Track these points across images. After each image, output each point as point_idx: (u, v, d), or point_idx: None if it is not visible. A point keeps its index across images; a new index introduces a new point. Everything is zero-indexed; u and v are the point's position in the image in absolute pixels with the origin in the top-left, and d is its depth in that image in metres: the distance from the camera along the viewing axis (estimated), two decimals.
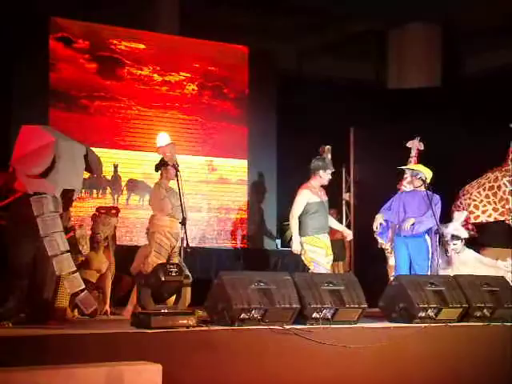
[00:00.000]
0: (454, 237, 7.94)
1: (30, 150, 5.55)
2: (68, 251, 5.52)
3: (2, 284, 5.62)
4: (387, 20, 11.23)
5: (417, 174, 7.44)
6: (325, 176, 7.21)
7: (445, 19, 11.21)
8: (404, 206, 7.46)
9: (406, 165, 8.44)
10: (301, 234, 7.10)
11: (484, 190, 8.39)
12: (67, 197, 5.75)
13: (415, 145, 8.62)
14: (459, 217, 8.09)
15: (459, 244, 7.96)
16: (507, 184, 8.26)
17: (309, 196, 7.12)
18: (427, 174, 7.44)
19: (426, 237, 7.33)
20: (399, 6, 10.56)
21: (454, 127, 10.34)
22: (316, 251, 7.04)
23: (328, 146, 7.35)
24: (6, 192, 5.66)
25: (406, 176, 8.56)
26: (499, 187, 8.30)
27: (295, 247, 7.10)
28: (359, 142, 9.73)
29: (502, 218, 8.38)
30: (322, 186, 7.28)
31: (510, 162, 8.33)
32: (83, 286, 5.52)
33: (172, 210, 6.59)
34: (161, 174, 6.77)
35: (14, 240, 5.55)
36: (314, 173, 7.24)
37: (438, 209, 7.35)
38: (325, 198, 7.25)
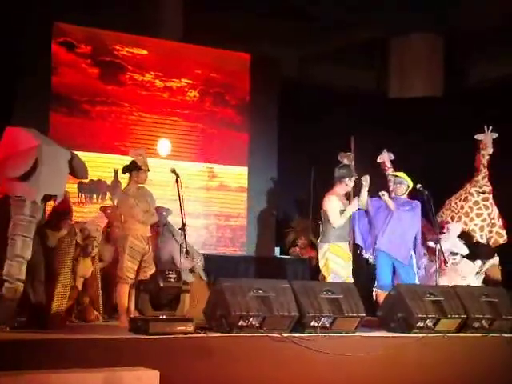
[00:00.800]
0: (453, 252, 7.96)
1: (12, 153, 5.53)
2: (24, 259, 5.42)
3: None
4: (389, 29, 11.24)
5: (401, 182, 7.54)
6: (350, 184, 7.21)
7: (447, 29, 11.22)
8: (387, 214, 7.49)
9: (389, 183, 8.58)
10: (323, 240, 7.04)
11: (460, 200, 8.46)
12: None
13: (385, 157, 8.69)
14: (455, 229, 8.09)
15: (458, 258, 7.97)
16: (474, 194, 8.32)
17: (338, 203, 7.10)
18: (410, 182, 7.56)
19: None
20: (401, 15, 10.58)
21: (455, 137, 10.35)
22: (337, 262, 6.89)
23: (350, 153, 7.34)
24: None
25: (391, 189, 8.62)
26: (468, 198, 8.36)
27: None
28: (360, 150, 9.72)
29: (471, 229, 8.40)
30: (345, 194, 7.27)
31: (478, 173, 8.37)
32: (17, 298, 5.40)
33: (143, 217, 6.51)
34: (130, 178, 6.59)
35: (2, 243, 5.52)
36: (340, 181, 7.22)
37: (418, 213, 7.43)
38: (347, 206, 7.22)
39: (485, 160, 8.31)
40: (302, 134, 10.48)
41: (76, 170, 5.86)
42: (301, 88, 10.97)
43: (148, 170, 6.62)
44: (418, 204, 7.50)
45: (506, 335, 6.38)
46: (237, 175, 10.19)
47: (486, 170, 8.33)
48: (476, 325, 6.37)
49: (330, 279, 6.82)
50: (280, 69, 10.64)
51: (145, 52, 9.66)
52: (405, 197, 7.57)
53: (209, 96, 10.03)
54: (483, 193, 8.28)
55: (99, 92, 9.31)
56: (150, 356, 4.84)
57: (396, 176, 7.71)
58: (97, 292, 6.91)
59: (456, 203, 8.45)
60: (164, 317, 5.31)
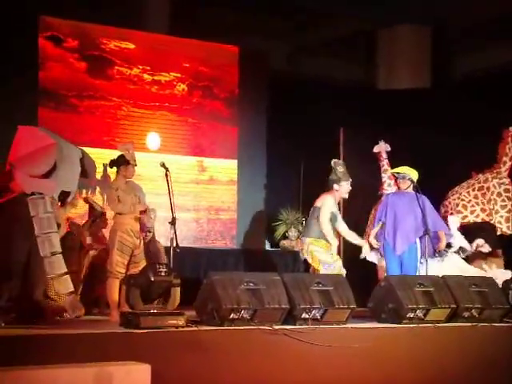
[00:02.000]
0: (461, 248, 7.97)
1: (30, 151, 5.59)
2: (60, 252, 5.52)
3: None
4: (376, 21, 11.25)
5: (404, 177, 7.49)
6: (341, 189, 7.23)
7: (434, 20, 11.24)
8: (393, 209, 7.50)
9: (382, 171, 8.61)
10: (306, 235, 7.18)
11: (473, 190, 8.43)
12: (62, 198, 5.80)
13: (382, 148, 8.70)
14: (453, 222, 8.09)
15: (454, 250, 7.99)
16: (496, 186, 8.29)
17: (333, 205, 7.18)
18: (414, 175, 7.52)
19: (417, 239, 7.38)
20: (388, 6, 10.58)
21: (443, 128, 10.38)
22: (321, 251, 7.03)
23: (335, 160, 7.40)
24: (0, 191, 5.65)
25: (384, 180, 8.64)
26: (488, 188, 8.33)
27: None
28: (349, 142, 9.75)
29: (489, 219, 8.41)
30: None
31: (501, 165, 8.35)
32: (72, 289, 5.52)
33: (131, 208, 6.49)
34: (118, 172, 6.59)
35: (6, 240, 5.54)
36: (338, 184, 7.29)
37: (429, 208, 7.43)
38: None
39: (511, 152, 8.28)
40: (291, 126, 10.48)
41: (86, 168, 5.96)
42: (289, 81, 10.96)
43: (136, 165, 6.61)
44: (425, 198, 7.51)
45: (495, 324, 6.41)
46: (226, 168, 10.19)
47: (510, 162, 8.29)
48: (466, 314, 6.40)
49: (323, 270, 6.88)
50: (268, 61, 10.63)
51: (132, 46, 9.63)
52: (410, 190, 7.51)
53: (197, 89, 10.01)
54: (503, 184, 8.27)
55: (87, 86, 9.27)
56: (141, 350, 4.84)
57: (398, 172, 7.64)
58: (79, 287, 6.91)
59: (468, 192, 8.40)
60: (155, 311, 5.31)
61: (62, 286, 5.48)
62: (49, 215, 5.52)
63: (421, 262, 7.28)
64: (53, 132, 6.04)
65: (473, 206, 8.32)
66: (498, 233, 8.32)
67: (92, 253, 7.16)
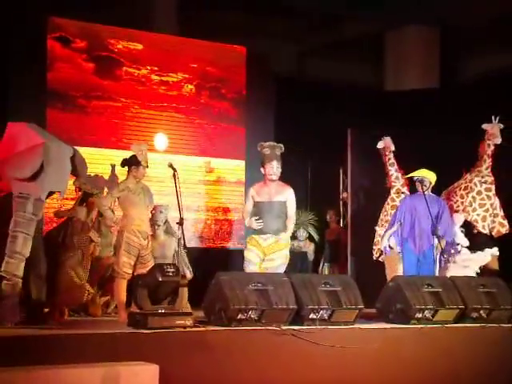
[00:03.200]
0: (459, 244, 7.97)
1: (17, 151, 5.51)
2: (24, 256, 5.44)
3: None
4: (385, 22, 11.23)
5: (423, 180, 7.50)
6: (265, 171, 6.75)
7: (443, 22, 11.22)
8: (413, 211, 7.52)
9: (388, 165, 8.60)
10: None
11: (459, 189, 8.44)
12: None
13: (387, 144, 8.68)
14: (457, 220, 8.09)
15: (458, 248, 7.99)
16: (477, 184, 8.29)
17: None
18: (432, 178, 7.55)
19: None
20: (397, 8, 10.57)
21: (452, 129, 10.35)
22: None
23: (261, 143, 6.91)
24: None
25: (391, 173, 8.65)
26: (471, 188, 8.34)
27: None
28: (356, 143, 9.74)
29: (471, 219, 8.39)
30: (273, 183, 6.78)
31: (482, 163, 8.34)
32: (16, 294, 5.42)
33: (142, 213, 6.49)
34: (128, 172, 6.59)
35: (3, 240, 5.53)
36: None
37: (446, 210, 7.46)
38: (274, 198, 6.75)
39: (490, 150, 8.27)
40: (298, 127, 10.48)
41: (77, 167, 5.89)
42: (297, 82, 10.96)
43: (147, 166, 6.62)
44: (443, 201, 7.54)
45: (504, 325, 6.39)
46: (234, 169, 10.19)
47: (490, 160, 8.28)
48: (474, 315, 6.38)
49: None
50: (276, 62, 10.63)
51: (140, 46, 9.64)
52: (429, 193, 7.52)
53: (205, 90, 10.02)
54: (485, 183, 8.26)
55: (95, 87, 9.29)
56: (149, 350, 4.84)
57: (418, 176, 7.62)
58: (93, 287, 6.92)
59: (456, 192, 8.43)
60: (163, 311, 5.31)
61: (10, 288, 5.38)
62: (29, 216, 5.45)
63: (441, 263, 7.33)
64: (43, 129, 5.94)
65: (458, 206, 8.33)
66: (475, 231, 8.30)
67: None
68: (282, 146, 6.86)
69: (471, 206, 8.21)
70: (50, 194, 5.77)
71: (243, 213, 6.97)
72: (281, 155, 6.85)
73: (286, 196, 6.80)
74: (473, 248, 8.04)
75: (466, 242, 8.02)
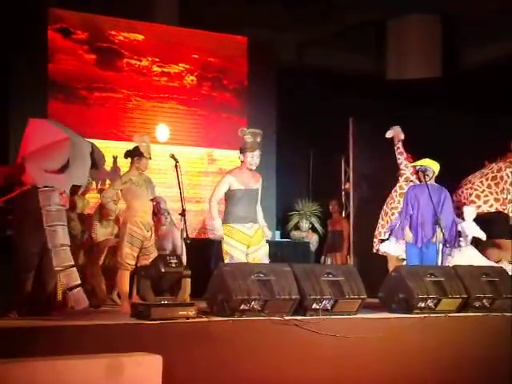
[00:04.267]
0: (474, 237, 7.96)
1: (43, 145, 5.59)
2: (68, 245, 5.54)
3: (9, 276, 5.63)
4: (386, 11, 11.19)
5: (426, 169, 7.47)
6: (245, 159, 6.57)
7: (444, 9, 11.17)
8: (415, 201, 7.51)
9: (397, 154, 8.59)
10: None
11: (487, 179, 8.38)
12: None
13: (396, 133, 8.66)
14: (470, 213, 8.06)
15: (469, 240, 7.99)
16: (509, 175, 8.25)
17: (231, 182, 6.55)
18: (435, 168, 7.52)
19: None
20: None
21: (453, 118, 10.34)
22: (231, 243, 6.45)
23: (243, 129, 6.79)
24: (11, 184, 5.67)
25: (400, 161, 8.63)
26: (502, 178, 8.29)
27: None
28: (358, 132, 9.73)
29: (502, 209, 8.37)
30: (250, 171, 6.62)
31: None
32: (79, 282, 5.53)
33: (145, 204, 6.50)
34: (131, 164, 6.59)
35: (21, 233, 5.57)
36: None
37: (448, 200, 7.44)
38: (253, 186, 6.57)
39: None
40: (300, 117, 10.47)
41: (96, 161, 5.98)
42: (299, 71, 10.94)
43: (150, 158, 6.61)
44: (446, 191, 7.52)
45: (507, 314, 6.39)
46: (236, 160, 10.12)
47: None
48: (477, 304, 6.38)
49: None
50: (278, 52, 10.60)
51: (141, 37, 9.63)
52: (432, 183, 7.50)
53: (206, 80, 10.00)
54: None
55: (96, 78, 9.28)
56: (152, 341, 4.85)
57: (421, 165, 7.60)
58: (97, 279, 6.94)
59: (481, 182, 8.37)
60: (166, 302, 5.32)
61: (68, 279, 5.50)
62: (59, 207, 5.54)
63: (444, 253, 7.32)
64: (63, 124, 6.05)
65: (486, 195, 8.27)
66: (511, 222, 8.29)
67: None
68: (261, 132, 6.70)
69: (507, 197, 8.15)
70: (73, 188, 5.85)
71: (211, 198, 6.52)
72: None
73: (259, 184, 6.66)
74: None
75: (483, 236, 7.99)
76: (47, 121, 5.94)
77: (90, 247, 7.24)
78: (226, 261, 6.39)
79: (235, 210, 6.45)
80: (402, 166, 8.65)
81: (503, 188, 8.28)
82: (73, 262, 5.57)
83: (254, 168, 6.62)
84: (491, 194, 8.31)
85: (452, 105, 10.61)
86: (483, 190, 8.30)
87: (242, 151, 6.61)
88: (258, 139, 6.63)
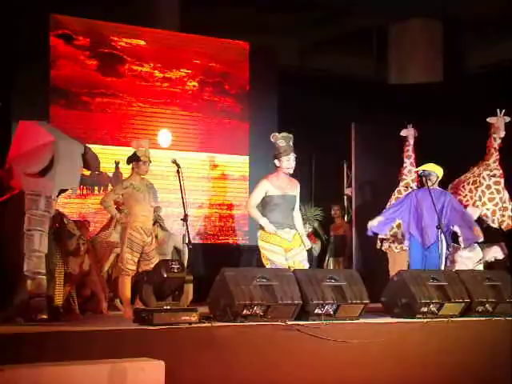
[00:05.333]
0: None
1: (28, 148, 5.55)
2: (44, 252, 5.48)
3: (4, 281, 5.62)
4: (388, 15, 11.21)
5: (429, 175, 7.45)
6: (281, 164, 6.57)
7: (445, 14, 11.18)
8: (420, 205, 7.48)
9: (404, 156, 8.58)
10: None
11: (468, 184, 8.40)
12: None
13: (410, 133, 8.67)
14: (472, 214, 8.05)
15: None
16: (486, 178, 8.26)
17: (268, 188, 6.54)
18: (439, 173, 7.52)
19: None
20: (400, 0, 10.54)
21: (456, 122, 10.33)
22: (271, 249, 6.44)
23: (275, 134, 6.76)
24: (2, 189, 5.66)
25: (405, 165, 8.63)
26: (480, 182, 8.30)
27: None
28: (360, 137, 9.73)
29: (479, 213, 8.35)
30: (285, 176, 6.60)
31: (489, 156, 8.31)
32: (42, 292, 5.47)
33: (145, 209, 6.49)
34: (132, 169, 6.60)
35: (15, 237, 5.55)
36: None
37: (451, 206, 7.43)
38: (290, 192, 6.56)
39: (496, 143, 8.21)
40: (302, 122, 10.47)
41: (89, 162, 5.93)
42: (300, 76, 10.95)
43: (149, 162, 6.61)
44: (450, 194, 7.54)
45: (509, 318, 6.38)
46: (238, 164, 10.19)
47: (497, 153, 8.23)
48: (480, 309, 6.37)
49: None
50: (279, 57, 10.61)
51: (143, 43, 9.65)
52: (436, 187, 7.49)
53: (208, 85, 10.01)
54: (494, 176, 8.22)
55: (98, 84, 9.30)
56: (154, 346, 4.85)
57: (424, 170, 7.57)
58: (97, 285, 6.94)
59: (464, 186, 8.38)
60: (168, 307, 5.32)
61: (36, 287, 5.44)
62: (42, 213, 5.49)
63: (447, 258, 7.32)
64: (55, 127, 6.01)
65: (467, 200, 8.29)
66: (484, 225, 8.27)
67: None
68: (292, 136, 6.72)
69: (480, 200, 8.17)
70: (62, 191, 5.80)
71: (249, 203, 6.57)
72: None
73: (297, 190, 6.69)
74: (483, 243, 8.00)
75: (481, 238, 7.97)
76: (37, 123, 5.83)
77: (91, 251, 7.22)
78: (268, 266, 6.32)
79: (272, 216, 6.45)
80: (405, 171, 8.65)
81: (483, 191, 8.28)
82: (44, 271, 5.50)
83: (292, 171, 6.63)
84: (471, 198, 8.32)
85: (454, 109, 10.60)
86: (465, 195, 8.32)
87: (277, 156, 6.61)
88: (291, 142, 6.68)
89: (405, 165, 8.65)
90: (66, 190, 5.85)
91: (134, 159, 6.56)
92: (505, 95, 9.86)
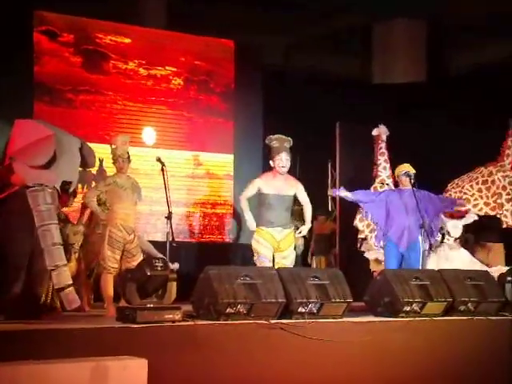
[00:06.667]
0: (449, 233, 7.97)
1: (29, 143, 5.58)
2: (61, 244, 5.52)
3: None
4: (372, 15, 11.23)
5: (410, 175, 7.44)
6: (275, 164, 6.73)
7: (430, 14, 11.23)
8: (396, 206, 7.46)
9: (378, 153, 8.63)
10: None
11: (477, 183, 8.42)
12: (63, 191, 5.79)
13: (382, 131, 8.72)
14: (469, 219, 8.08)
15: (451, 241, 7.99)
16: (501, 179, 8.30)
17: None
18: (412, 172, 7.53)
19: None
20: (384, 0, 10.57)
21: (439, 122, 10.38)
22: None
23: (269, 136, 6.88)
24: (1, 186, 5.65)
25: (379, 163, 8.68)
26: (493, 182, 8.32)
27: None
28: (345, 136, 9.76)
29: (492, 213, 8.39)
30: (282, 177, 6.75)
31: (505, 158, 8.35)
32: (70, 282, 5.52)
33: (126, 207, 6.48)
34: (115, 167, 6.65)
35: (11, 234, 5.53)
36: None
37: (427, 198, 7.44)
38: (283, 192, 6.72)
39: None
40: (286, 120, 10.47)
41: (85, 157, 5.96)
42: (285, 75, 10.95)
43: (128, 158, 6.59)
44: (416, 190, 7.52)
45: (491, 318, 6.42)
46: (222, 163, 10.18)
47: None
48: (462, 308, 6.41)
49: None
50: (264, 56, 10.62)
51: (128, 40, 9.61)
52: (409, 187, 7.48)
53: (193, 84, 10.00)
54: (508, 177, 8.27)
55: (83, 81, 9.25)
56: (137, 345, 4.84)
57: (408, 171, 7.56)
58: (82, 282, 6.92)
59: (471, 186, 8.38)
60: (151, 305, 5.31)
61: (61, 278, 5.49)
62: (49, 206, 5.52)
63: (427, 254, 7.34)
64: (49, 124, 6.04)
65: (476, 199, 8.30)
66: (504, 226, 8.32)
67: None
68: (290, 139, 6.83)
69: (501, 201, 8.18)
70: (63, 185, 5.81)
71: (241, 197, 6.77)
72: (290, 149, 6.78)
73: (297, 190, 6.82)
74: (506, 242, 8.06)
75: (459, 234, 8.00)
76: (33, 121, 6.00)
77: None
78: (254, 258, 6.62)
79: (265, 215, 6.65)
80: (379, 168, 8.71)
81: (495, 192, 8.32)
82: (66, 262, 5.57)
83: (285, 170, 6.70)
84: (481, 198, 8.35)
85: (437, 109, 10.65)
86: (473, 194, 8.34)
87: (270, 157, 6.75)
88: (286, 144, 6.77)
89: (379, 162, 8.74)
90: (69, 183, 5.84)
91: (113, 156, 6.56)
92: (489, 96, 9.94)
